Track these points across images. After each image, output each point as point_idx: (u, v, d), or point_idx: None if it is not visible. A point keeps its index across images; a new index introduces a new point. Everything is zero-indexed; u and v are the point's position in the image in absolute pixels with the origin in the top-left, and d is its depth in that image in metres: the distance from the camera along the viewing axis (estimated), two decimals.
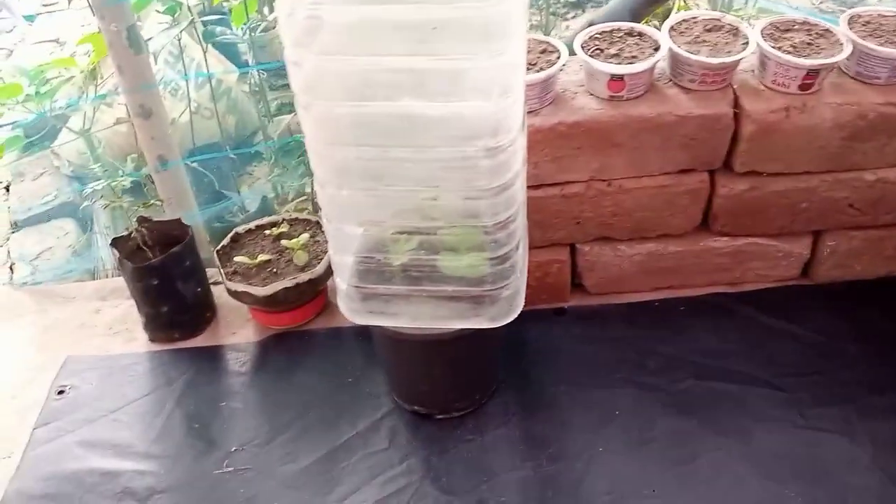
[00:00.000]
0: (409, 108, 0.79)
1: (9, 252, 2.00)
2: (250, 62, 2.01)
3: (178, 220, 1.28)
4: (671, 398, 1.13)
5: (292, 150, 1.82)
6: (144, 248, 1.25)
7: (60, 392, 1.24)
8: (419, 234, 0.94)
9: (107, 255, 1.89)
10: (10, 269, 1.91)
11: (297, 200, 1.83)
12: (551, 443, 1.09)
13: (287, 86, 2.30)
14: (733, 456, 1.06)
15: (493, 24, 0.73)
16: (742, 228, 1.23)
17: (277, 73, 2.39)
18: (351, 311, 1.02)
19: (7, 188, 2.28)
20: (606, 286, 1.29)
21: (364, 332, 1.28)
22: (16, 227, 2.10)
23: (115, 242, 1.24)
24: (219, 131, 2.20)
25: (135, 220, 1.63)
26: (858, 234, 1.24)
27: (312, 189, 1.79)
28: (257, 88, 2.15)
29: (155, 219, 1.28)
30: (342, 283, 1.00)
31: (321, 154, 0.85)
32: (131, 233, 1.25)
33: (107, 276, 1.69)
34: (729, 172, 1.17)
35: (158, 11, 1.87)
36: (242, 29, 1.86)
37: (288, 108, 2.37)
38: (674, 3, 1.64)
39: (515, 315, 0.99)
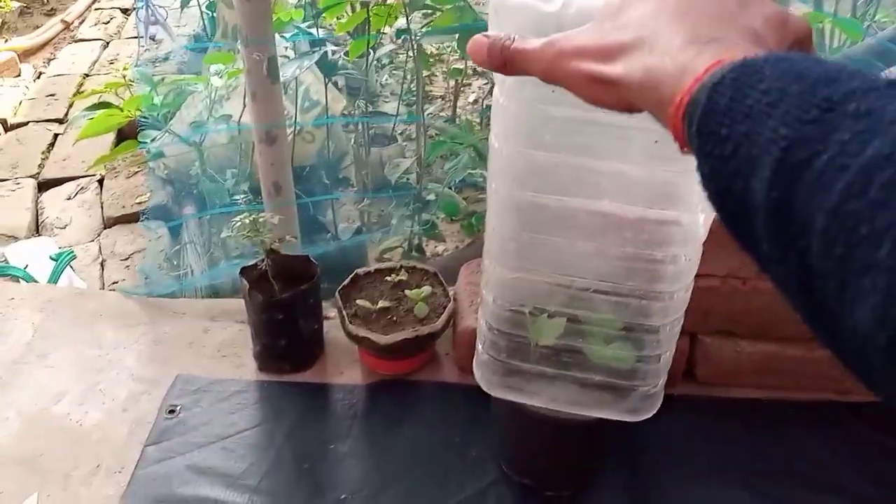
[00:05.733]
0: (609, 208, 0.80)
1: (100, 248, 2.04)
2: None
3: (306, 257, 1.31)
4: None
5: (401, 191, 1.85)
6: (270, 280, 1.27)
7: (171, 411, 1.25)
8: (570, 319, 0.95)
9: (195, 264, 1.93)
10: (101, 265, 1.95)
11: (392, 240, 1.86)
12: None
13: (378, 113, 2.32)
14: None
15: None
16: None
17: (374, 109, 2.43)
18: (488, 382, 1.03)
19: (101, 182, 2.33)
20: (717, 378, 1.29)
21: (472, 393, 1.28)
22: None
23: (244, 272, 1.27)
24: (314, 154, 2.24)
25: (247, 242, 1.66)
26: None
27: (411, 234, 1.82)
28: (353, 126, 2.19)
29: (283, 252, 1.30)
30: (484, 353, 1.01)
31: (506, 238, 0.86)
32: (257, 264, 1.27)
33: (195, 290, 1.72)
34: None
35: (283, 36, 1.92)
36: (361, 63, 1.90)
37: (381, 139, 2.41)
38: None
39: (654, 411, 0.99)
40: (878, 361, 0.25)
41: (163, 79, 1.84)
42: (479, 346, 1.03)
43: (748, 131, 0.31)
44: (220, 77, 1.71)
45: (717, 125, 0.33)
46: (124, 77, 1.70)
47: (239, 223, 1.16)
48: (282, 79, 1.66)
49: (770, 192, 0.30)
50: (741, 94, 0.32)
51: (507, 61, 0.44)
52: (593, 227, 0.82)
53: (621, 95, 0.39)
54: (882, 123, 0.27)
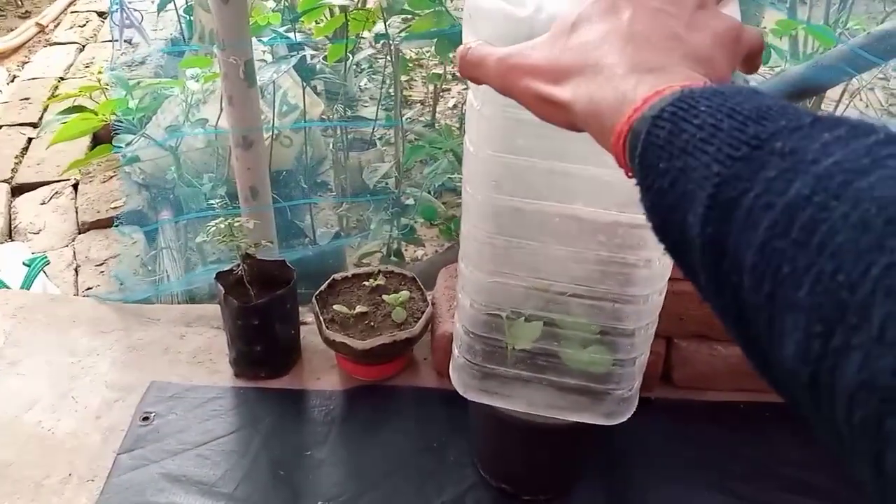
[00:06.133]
0: (582, 212, 0.80)
1: (74, 253, 2.02)
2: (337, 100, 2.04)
3: (282, 262, 1.30)
4: None
5: (380, 196, 1.84)
6: (246, 285, 1.26)
7: (145, 418, 1.24)
8: (546, 322, 0.95)
9: (171, 270, 1.91)
10: (76, 271, 1.92)
11: (371, 244, 1.85)
12: None
13: (356, 118, 2.31)
14: None
15: None
16: None
17: (352, 113, 2.43)
18: (464, 386, 1.02)
19: (75, 187, 2.30)
20: (693, 381, 1.30)
21: (450, 397, 1.28)
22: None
23: (219, 277, 1.25)
24: (292, 158, 2.23)
25: (223, 246, 1.65)
26: None
27: (389, 239, 1.81)
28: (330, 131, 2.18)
29: (259, 257, 1.29)
30: (460, 357, 1.01)
31: (482, 242, 0.86)
32: (233, 269, 1.26)
33: (171, 296, 1.70)
34: None
35: (261, 40, 1.91)
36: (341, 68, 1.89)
37: (360, 144, 2.41)
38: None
39: (630, 415, 0.99)
40: (803, 396, 0.26)
41: (138, 82, 1.82)
42: (456, 350, 1.02)
43: (684, 166, 0.31)
44: (197, 81, 1.70)
45: (656, 158, 0.33)
46: (99, 81, 1.67)
47: (214, 228, 1.15)
48: (259, 83, 1.65)
49: (705, 227, 0.30)
50: (678, 129, 0.32)
51: (466, 71, 0.45)
52: (567, 230, 0.83)
53: (568, 118, 0.39)
54: (804, 163, 0.27)
